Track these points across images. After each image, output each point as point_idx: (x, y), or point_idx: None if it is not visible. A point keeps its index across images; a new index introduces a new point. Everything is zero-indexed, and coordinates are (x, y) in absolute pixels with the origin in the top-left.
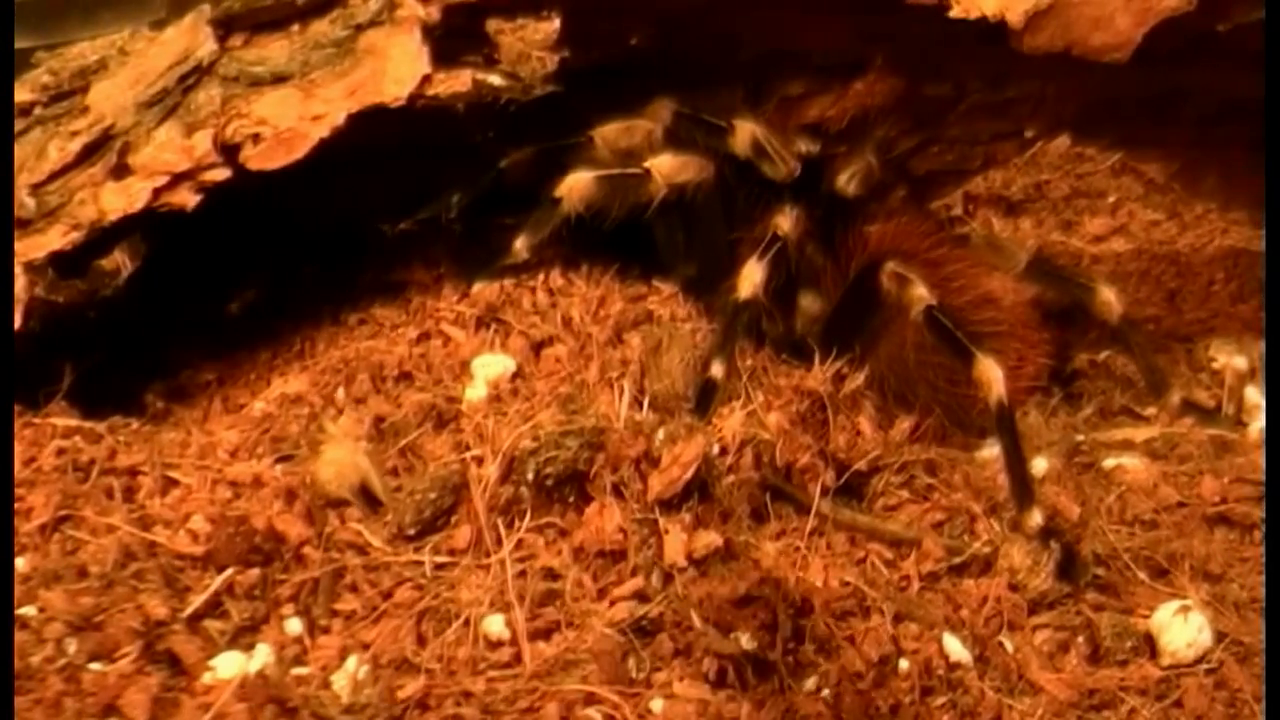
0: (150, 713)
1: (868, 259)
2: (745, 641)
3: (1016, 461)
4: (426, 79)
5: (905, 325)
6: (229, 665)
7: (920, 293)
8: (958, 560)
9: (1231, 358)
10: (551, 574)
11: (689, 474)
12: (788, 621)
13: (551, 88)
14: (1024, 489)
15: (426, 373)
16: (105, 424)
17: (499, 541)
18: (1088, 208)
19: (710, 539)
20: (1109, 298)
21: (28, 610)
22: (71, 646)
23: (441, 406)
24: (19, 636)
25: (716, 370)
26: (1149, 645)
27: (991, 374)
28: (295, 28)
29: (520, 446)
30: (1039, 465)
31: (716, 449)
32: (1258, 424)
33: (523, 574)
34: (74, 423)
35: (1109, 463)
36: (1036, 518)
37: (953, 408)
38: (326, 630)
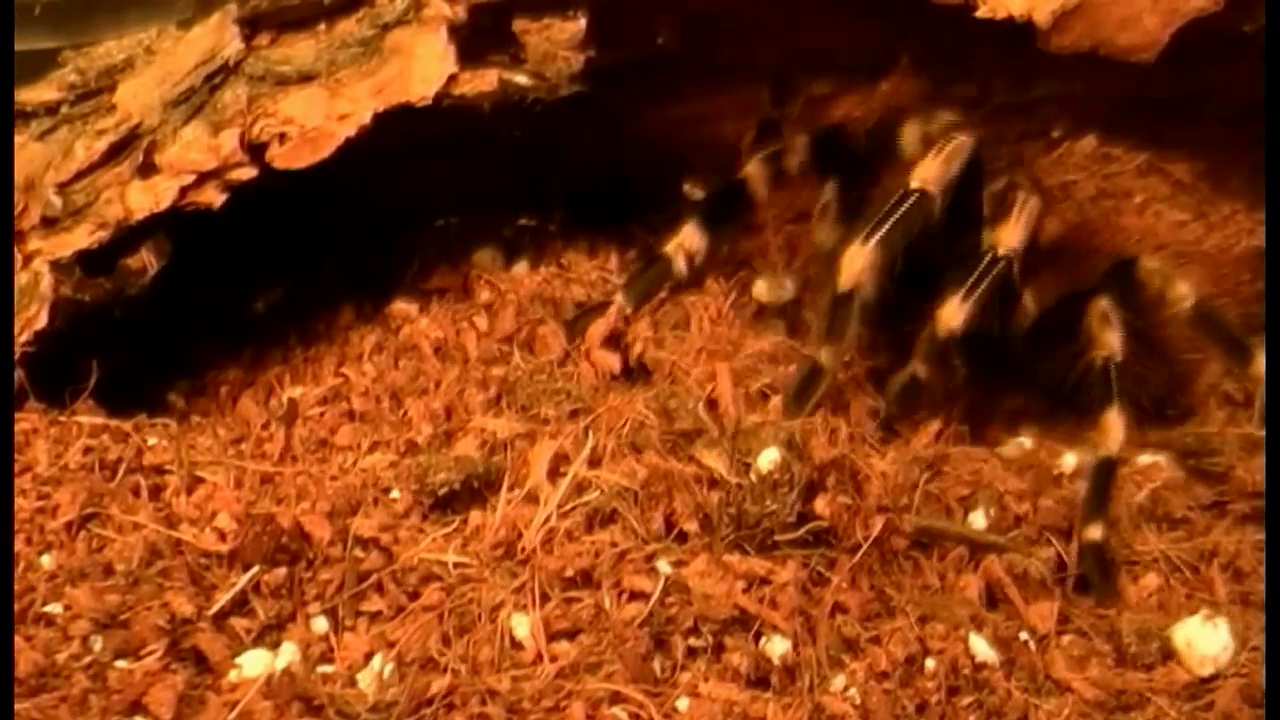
0: (176, 710)
1: None
2: (773, 641)
3: None
4: (453, 78)
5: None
6: (255, 663)
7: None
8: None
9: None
10: (578, 573)
11: None
12: (817, 620)
13: (578, 87)
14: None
15: None
16: (131, 422)
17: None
18: (1114, 208)
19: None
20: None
21: (54, 608)
22: (98, 644)
23: None
24: (45, 634)
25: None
26: (1177, 648)
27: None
28: (322, 27)
29: None
30: (1068, 460)
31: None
32: None
33: (548, 573)
34: (100, 421)
35: (1142, 459)
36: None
37: None
38: (352, 629)
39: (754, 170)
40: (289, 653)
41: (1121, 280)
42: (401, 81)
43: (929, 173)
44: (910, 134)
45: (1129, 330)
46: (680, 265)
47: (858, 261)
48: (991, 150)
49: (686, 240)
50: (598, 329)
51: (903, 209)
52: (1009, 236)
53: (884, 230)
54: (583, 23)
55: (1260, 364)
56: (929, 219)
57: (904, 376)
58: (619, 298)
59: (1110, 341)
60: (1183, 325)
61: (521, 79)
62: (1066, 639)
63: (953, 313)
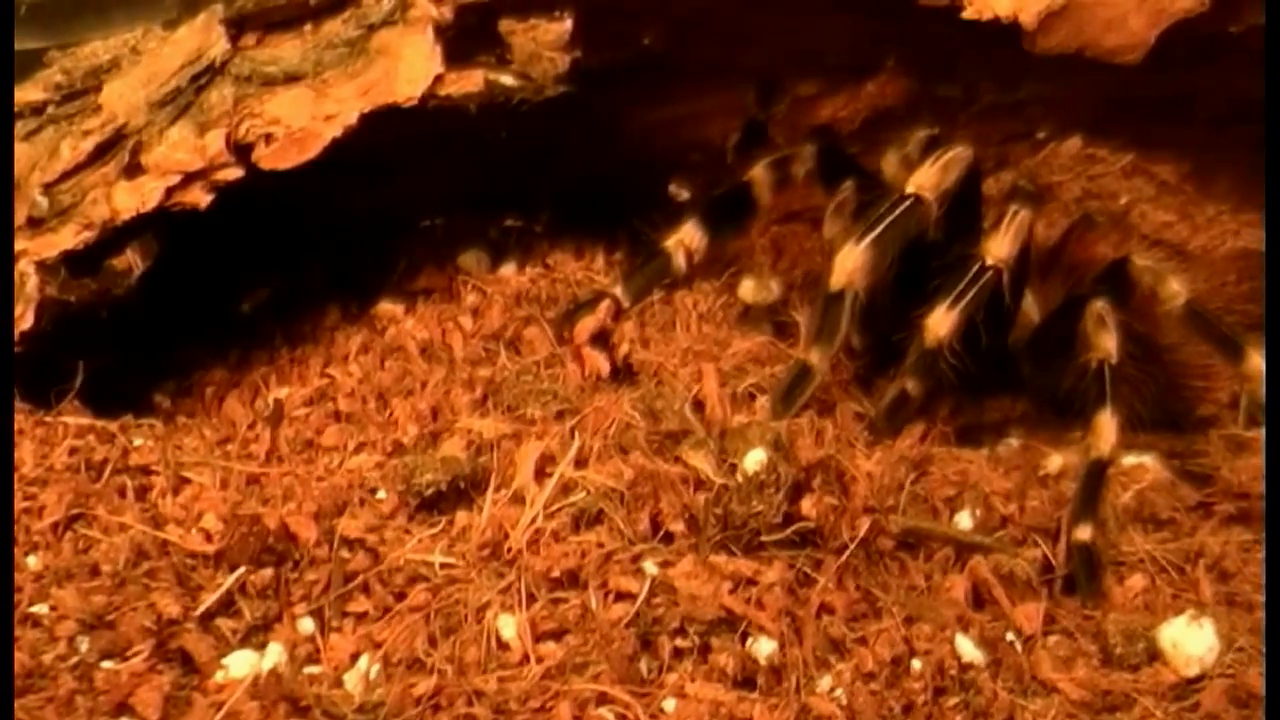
0: (162, 711)
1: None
2: (759, 642)
3: None
4: (439, 79)
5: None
6: (241, 664)
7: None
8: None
9: None
10: (564, 574)
11: None
12: (804, 621)
13: (564, 88)
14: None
15: None
16: (118, 423)
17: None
18: (1099, 209)
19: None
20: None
21: (40, 608)
22: (84, 645)
23: None
24: (31, 635)
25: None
26: (1163, 648)
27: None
28: (308, 27)
29: None
30: (1054, 462)
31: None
32: None
33: (535, 573)
34: (86, 422)
35: (1128, 460)
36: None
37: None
38: (338, 630)
39: (760, 174)
40: (275, 653)
41: (1115, 281)
42: (387, 82)
43: (925, 179)
44: (891, 161)
45: (1126, 333)
46: (680, 261)
47: (849, 261)
48: (977, 151)
49: (687, 237)
50: (587, 325)
51: (896, 212)
52: (997, 246)
53: (877, 232)
54: (569, 24)
55: (1251, 363)
56: (924, 225)
57: (894, 391)
58: (617, 290)
59: (1105, 344)
60: (1175, 323)
61: (507, 80)
62: (1053, 639)
63: (939, 320)
